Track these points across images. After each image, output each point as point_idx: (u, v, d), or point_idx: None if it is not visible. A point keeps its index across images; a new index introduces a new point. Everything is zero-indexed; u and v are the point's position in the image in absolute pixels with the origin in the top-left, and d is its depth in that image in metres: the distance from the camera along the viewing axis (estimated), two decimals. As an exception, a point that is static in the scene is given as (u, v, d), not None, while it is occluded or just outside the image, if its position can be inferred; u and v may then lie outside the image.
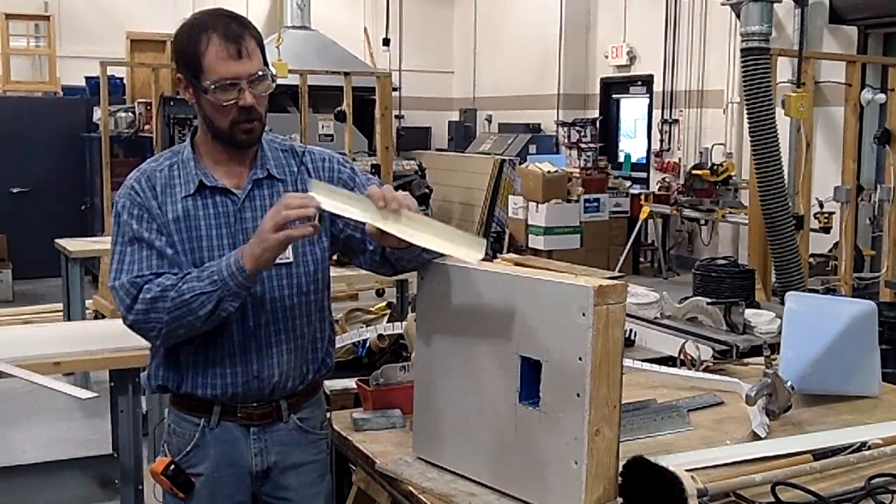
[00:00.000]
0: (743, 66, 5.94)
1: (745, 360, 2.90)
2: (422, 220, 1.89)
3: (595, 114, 12.18)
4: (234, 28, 1.98)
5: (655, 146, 11.31)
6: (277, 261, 2.01)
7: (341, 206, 1.89)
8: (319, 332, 2.16)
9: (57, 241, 6.13)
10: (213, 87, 1.96)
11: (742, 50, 5.98)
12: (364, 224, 2.03)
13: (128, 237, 2.01)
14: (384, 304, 3.49)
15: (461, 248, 1.86)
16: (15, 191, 9.65)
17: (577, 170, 10.62)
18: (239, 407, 2.10)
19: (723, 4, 9.13)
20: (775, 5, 6.17)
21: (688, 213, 9.86)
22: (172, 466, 2.10)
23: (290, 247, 2.02)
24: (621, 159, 11.98)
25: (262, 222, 1.89)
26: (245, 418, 2.10)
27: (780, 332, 2.78)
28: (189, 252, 2.01)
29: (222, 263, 1.92)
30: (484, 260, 1.88)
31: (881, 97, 7.54)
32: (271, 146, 2.13)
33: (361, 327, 3.06)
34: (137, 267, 1.98)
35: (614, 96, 12.36)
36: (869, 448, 1.98)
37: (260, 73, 1.99)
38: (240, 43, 1.97)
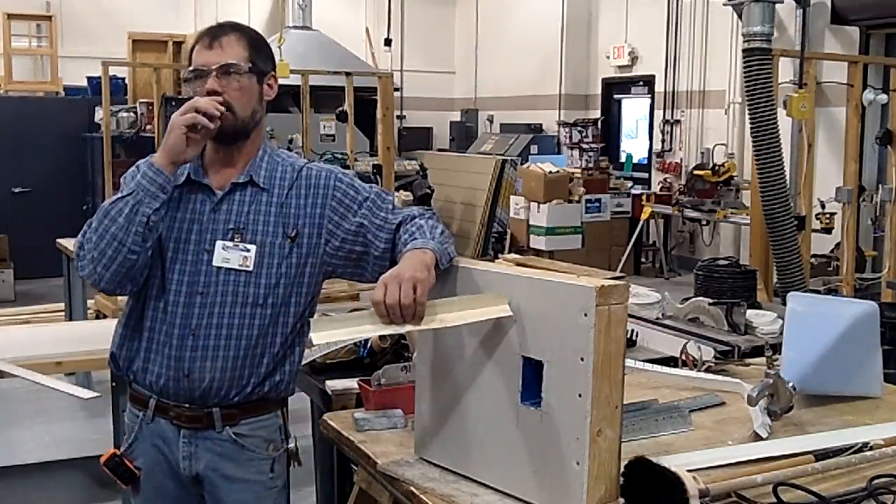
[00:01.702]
0: (744, 67, 5.93)
1: (747, 361, 2.90)
2: (436, 303, 1.79)
3: (597, 114, 12.19)
4: (219, 26, 2.09)
5: (657, 146, 11.31)
6: (237, 267, 2.04)
7: (349, 331, 1.79)
8: (270, 348, 2.11)
9: (58, 241, 6.14)
10: (186, 75, 2.06)
11: (744, 50, 5.97)
12: (362, 231, 2.06)
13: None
14: (386, 304, 3.49)
15: (489, 308, 1.77)
16: (16, 191, 9.66)
17: (579, 170, 10.62)
18: (171, 405, 2.11)
19: (724, 5, 9.13)
20: (777, 6, 6.16)
21: (689, 213, 9.86)
22: (114, 458, 2.14)
23: (252, 256, 2.04)
24: (623, 160, 11.98)
25: (172, 118, 1.95)
26: (176, 418, 2.12)
27: (781, 333, 2.79)
28: (165, 240, 2.06)
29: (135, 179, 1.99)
30: (485, 260, 1.88)
31: (883, 98, 7.52)
32: (272, 157, 2.14)
33: (363, 327, 3.05)
34: None
35: (616, 97, 12.36)
36: (871, 449, 1.98)
37: (228, 62, 2.03)
38: (216, 36, 2.06)
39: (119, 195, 1.97)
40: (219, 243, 2.05)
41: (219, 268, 2.05)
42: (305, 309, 2.16)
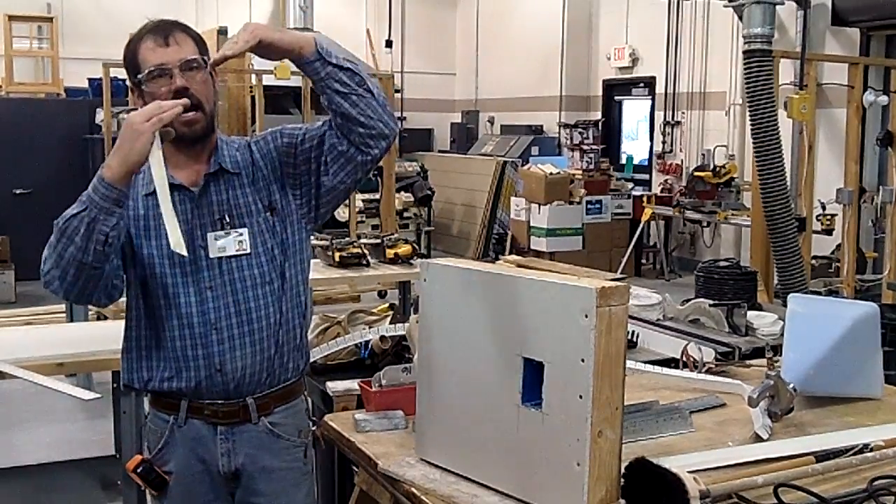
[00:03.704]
0: (745, 68, 5.95)
1: (748, 362, 2.90)
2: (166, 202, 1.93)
3: (597, 116, 12.18)
4: (163, 24, 2.06)
5: (657, 148, 11.30)
6: (234, 253, 2.06)
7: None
8: (289, 325, 2.16)
9: (59, 242, 6.13)
10: (146, 76, 2.01)
11: (744, 52, 5.98)
12: (312, 143, 2.11)
13: None
14: (386, 305, 3.49)
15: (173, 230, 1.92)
16: (17, 192, 9.64)
17: (580, 171, 10.62)
18: (206, 404, 2.11)
19: (725, 6, 9.10)
20: (778, 7, 6.18)
21: (690, 214, 9.86)
22: (144, 464, 2.12)
23: (246, 238, 2.07)
24: (623, 161, 11.98)
25: (129, 121, 1.87)
26: (212, 416, 2.12)
27: (782, 334, 2.79)
28: (149, 247, 2.06)
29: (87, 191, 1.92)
30: (486, 261, 1.88)
31: (884, 99, 7.54)
32: (229, 145, 2.17)
33: (364, 329, 3.06)
34: None
35: (616, 98, 12.36)
36: (871, 450, 1.98)
37: (191, 57, 2.03)
38: (168, 34, 2.04)
39: (73, 210, 1.91)
40: (210, 235, 2.07)
41: (218, 258, 2.07)
42: (305, 277, 2.22)
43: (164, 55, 2.01)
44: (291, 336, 2.17)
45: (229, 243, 2.07)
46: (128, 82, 2.11)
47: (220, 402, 2.11)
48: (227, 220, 2.09)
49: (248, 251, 2.09)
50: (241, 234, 2.08)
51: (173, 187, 2.05)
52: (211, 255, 2.07)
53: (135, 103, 2.10)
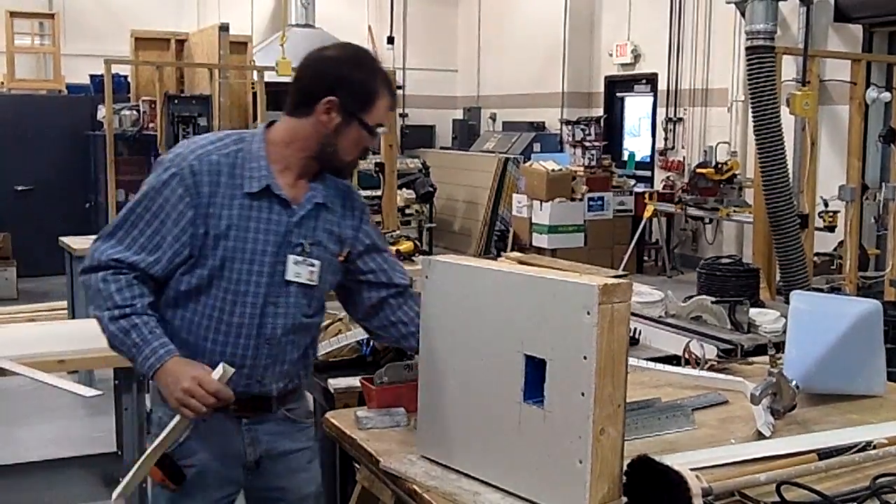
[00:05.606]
0: (748, 65, 5.93)
1: (750, 359, 2.90)
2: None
3: (599, 112, 12.18)
4: (393, 89, 2.19)
5: (660, 145, 11.29)
6: (305, 281, 2.14)
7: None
8: (314, 342, 2.31)
9: (61, 238, 6.14)
10: (376, 128, 2.12)
11: (747, 48, 5.97)
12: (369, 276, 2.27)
13: (152, 207, 2.05)
14: (388, 302, 3.49)
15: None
16: (19, 189, 9.64)
17: (581, 168, 10.62)
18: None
19: (727, 2, 9.11)
20: (780, 3, 6.16)
21: (692, 211, 9.85)
22: (165, 458, 2.12)
23: (316, 271, 2.14)
24: (625, 158, 11.97)
25: (180, 383, 1.96)
26: (238, 410, 2.16)
27: (784, 331, 2.78)
28: (232, 250, 2.06)
29: (151, 346, 2.01)
30: (488, 258, 1.89)
31: (886, 96, 7.52)
32: (330, 178, 2.21)
33: (365, 325, 3.06)
34: (126, 246, 2.04)
35: (619, 94, 12.35)
36: (874, 447, 1.98)
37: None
38: (395, 103, 2.20)
39: (130, 333, 2.04)
40: (290, 257, 2.11)
41: (289, 281, 2.12)
42: None
43: (386, 118, 2.16)
44: (314, 349, 2.31)
45: (304, 271, 2.13)
46: (333, 98, 2.08)
47: (247, 399, 2.16)
48: (308, 249, 2.13)
49: (315, 284, 2.16)
50: (313, 266, 2.14)
51: (276, 198, 2.09)
52: (286, 277, 2.12)
53: (323, 116, 2.09)
